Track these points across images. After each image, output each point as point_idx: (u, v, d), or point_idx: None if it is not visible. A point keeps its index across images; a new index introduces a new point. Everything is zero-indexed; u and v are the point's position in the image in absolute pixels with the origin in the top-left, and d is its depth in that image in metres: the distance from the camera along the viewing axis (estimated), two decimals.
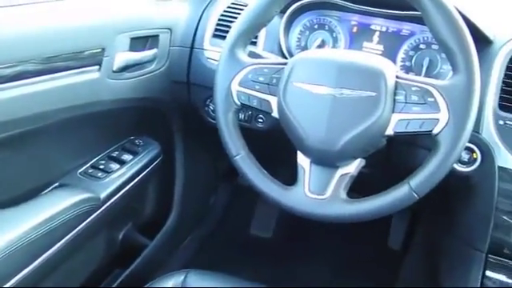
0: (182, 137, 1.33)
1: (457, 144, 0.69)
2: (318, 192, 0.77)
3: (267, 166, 0.85)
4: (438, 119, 0.69)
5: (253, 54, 0.88)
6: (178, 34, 1.10)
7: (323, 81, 0.74)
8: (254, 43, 1.04)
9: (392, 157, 0.96)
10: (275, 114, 0.80)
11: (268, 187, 0.80)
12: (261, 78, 0.80)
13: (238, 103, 0.81)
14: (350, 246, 1.62)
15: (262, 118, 1.06)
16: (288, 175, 0.83)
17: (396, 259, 1.52)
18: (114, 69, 0.99)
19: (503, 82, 0.86)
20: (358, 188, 0.78)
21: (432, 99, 0.70)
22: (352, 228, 1.57)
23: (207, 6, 1.12)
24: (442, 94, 0.70)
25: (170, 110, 1.25)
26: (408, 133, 0.72)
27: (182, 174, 1.37)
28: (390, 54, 1.00)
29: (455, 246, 1.04)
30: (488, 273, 0.95)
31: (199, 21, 1.11)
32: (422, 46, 0.98)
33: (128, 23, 1.00)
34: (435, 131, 0.70)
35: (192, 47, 1.10)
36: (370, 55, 0.78)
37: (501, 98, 0.86)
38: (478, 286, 0.94)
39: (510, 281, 0.95)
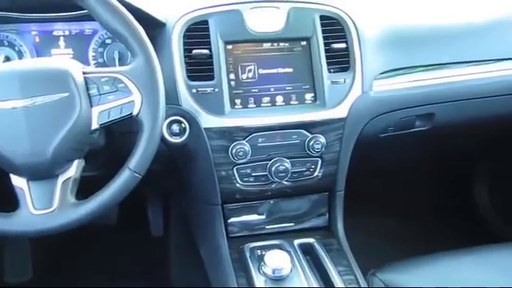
0: None
1: (156, 118, 0.76)
2: (44, 207, 0.74)
3: None
4: (133, 101, 0.75)
5: None
6: None
7: (9, 95, 0.71)
8: None
9: (115, 151, 0.99)
10: None
11: None
12: None
13: None
14: (117, 250, 1.62)
15: None
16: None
17: (162, 245, 1.58)
18: None
19: (185, 56, 0.98)
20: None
21: (122, 85, 0.75)
22: (114, 232, 1.58)
23: None
24: (129, 78, 0.75)
25: None
26: (112, 121, 0.76)
27: None
28: (81, 55, 1.02)
29: (197, 209, 1.15)
30: (230, 220, 1.09)
31: None
32: (107, 41, 1.03)
33: None
34: (135, 112, 0.75)
35: None
36: (51, 59, 0.79)
37: (188, 70, 0.97)
38: (225, 235, 1.07)
39: (249, 218, 1.10)
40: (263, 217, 1.10)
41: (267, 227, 1.10)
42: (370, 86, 1.05)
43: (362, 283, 0.97)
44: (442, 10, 1.22)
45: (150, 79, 0.76)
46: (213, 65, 0.98)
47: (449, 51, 1.15)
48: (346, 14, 1.05)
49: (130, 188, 0.76)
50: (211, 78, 0.98)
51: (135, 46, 0.76)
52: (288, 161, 1.02)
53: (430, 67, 1.13)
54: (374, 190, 1.74)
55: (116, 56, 1.01)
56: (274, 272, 0.91)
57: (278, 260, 0.91)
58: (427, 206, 1.79)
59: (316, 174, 1.05)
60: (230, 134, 0.98)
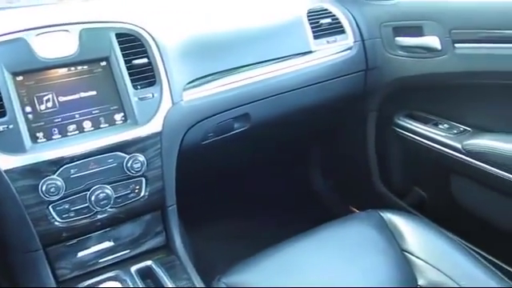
0: None
1: None
2: None
3: None
4: None
5: None
6: None
7: None
8: None
9: None
10: None
11: None
12: None
13: None
14: None
15: None
16: None
17: None
18: None
19: None
20: None
21: None
22: None
23: None
24: None
25: None
26: None
27: None
28: None
29: (16, 260, 1.03)
30: (58, 263, 1.00)
31: None
32: None
33: None
34: None
35: None
36: None
37: None
38: (53, 281, 0.97)
39: (80, 255, 1.02)
40: (95, 250, 1.04)
41: (101, 260, 1.04)
42: (180, 97, 1.06)
43: None
44: (239, 16, 1.28)
45: None
46: (2, 100, 0.89)
47: (252, 52, 1.21)
48: (143, 29, 1.04)
49: None
50: (2, 114, 0.89)
51: None
52: (109, 187, 0.97)
53: (236, 70, 1.18)
54: (221, 195, 1.77)
55: None
56: None
57: None
58: (274, 201, 1.87)
59: (142, 194, 1.02)
60: (37, 171, 0.90)
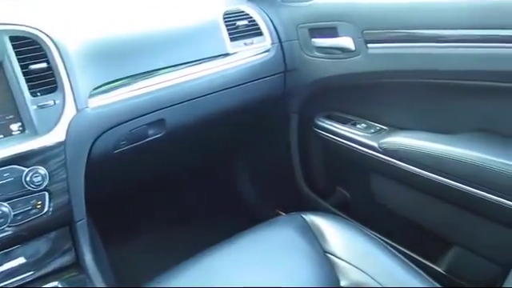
0: None
1: None
2: None
3: None
4: None
5: None
6: None
7: None
8: None
9: None
10: None
11: None
12: None
13: None
14: None
15: None
16: None
17: None
18: None
19: None
20: None
21: None
22: None
23: None
24: None
25: None
26: None
27: None
28: None
29: None
30: None
31: None
32: None
33: None
34: None
35: None
36: None
37: None
38: None
39: None
40: None
41: (1, 285, 0.94)
42: (85, 103, 0.99)
43: None
44: (151, 18, 1.22)
45: None
46: None
47: (165, 56, 1.16)
48: (42, 31, 0.96)
49: None
50: None
51: None
52: (6, 204, 0.88)
53: (148, 74, 1.12)
54: (143, 206, 1.70)
55: None
56: None
57: None
58: (199, 209, 1.83)
59: (45, 209, 0.94)
60: None
